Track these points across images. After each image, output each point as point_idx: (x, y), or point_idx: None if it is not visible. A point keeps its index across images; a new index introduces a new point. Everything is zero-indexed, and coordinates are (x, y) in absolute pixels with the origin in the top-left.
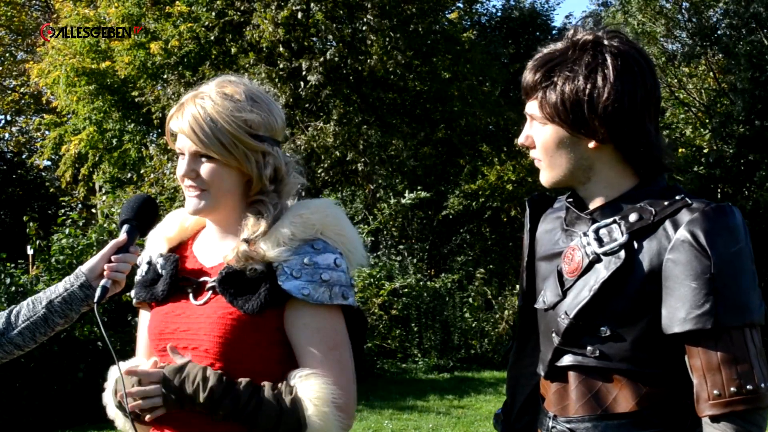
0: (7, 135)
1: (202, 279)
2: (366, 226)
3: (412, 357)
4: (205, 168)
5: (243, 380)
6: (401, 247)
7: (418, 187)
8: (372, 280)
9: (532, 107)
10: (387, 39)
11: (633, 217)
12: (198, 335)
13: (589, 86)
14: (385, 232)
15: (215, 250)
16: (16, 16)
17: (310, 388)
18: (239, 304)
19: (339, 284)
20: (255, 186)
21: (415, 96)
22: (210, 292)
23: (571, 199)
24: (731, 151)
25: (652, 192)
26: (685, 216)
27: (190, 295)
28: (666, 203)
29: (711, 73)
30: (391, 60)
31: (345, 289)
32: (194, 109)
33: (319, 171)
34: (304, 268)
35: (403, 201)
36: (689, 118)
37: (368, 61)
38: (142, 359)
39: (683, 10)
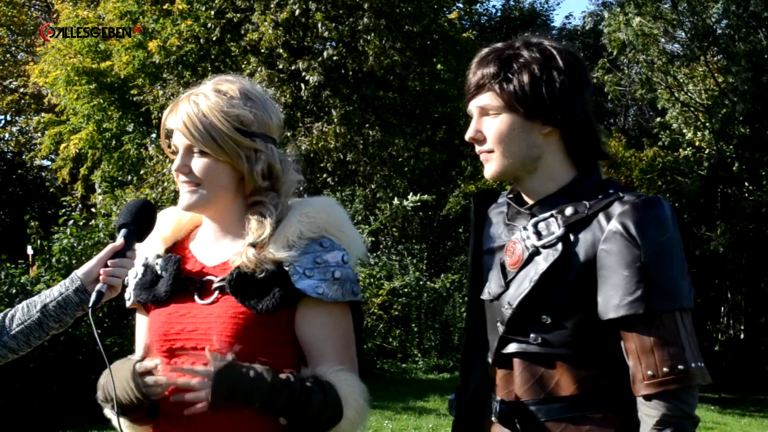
0: (7, 135)
1: (206, 279)
2: (366, 227)
3: (412, 357)
4: (197, 163)
5: (291, 375)
6: (401, 247)
7: (423, 187)
8: (372, 280)
9: (484, 100)
10: (383, 38)
11: (569, 211)
12: (207, 335)
13: (545, 74)
14: (385, 232)
15: (216, 249)
16: (16, 16)
17: (347, 383)
18: (251, 304)
19: (349, 281)
20: (248, 182)
21: (416, 96)
22: (217, 291)
23: (511, 195)
24: (731, 151)
25: (587, 186)
26: (616, 208)
27: (195, 296)
28: (600, 197)
29: (711, 74)
30: (387, 60)
31: (354, 285)
32: (188, 106)
33: (321, 175)
34: (316, 266)
35: (405, 203)
36: (689, 119)
37: (366, 60)
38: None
39: (680, 11)
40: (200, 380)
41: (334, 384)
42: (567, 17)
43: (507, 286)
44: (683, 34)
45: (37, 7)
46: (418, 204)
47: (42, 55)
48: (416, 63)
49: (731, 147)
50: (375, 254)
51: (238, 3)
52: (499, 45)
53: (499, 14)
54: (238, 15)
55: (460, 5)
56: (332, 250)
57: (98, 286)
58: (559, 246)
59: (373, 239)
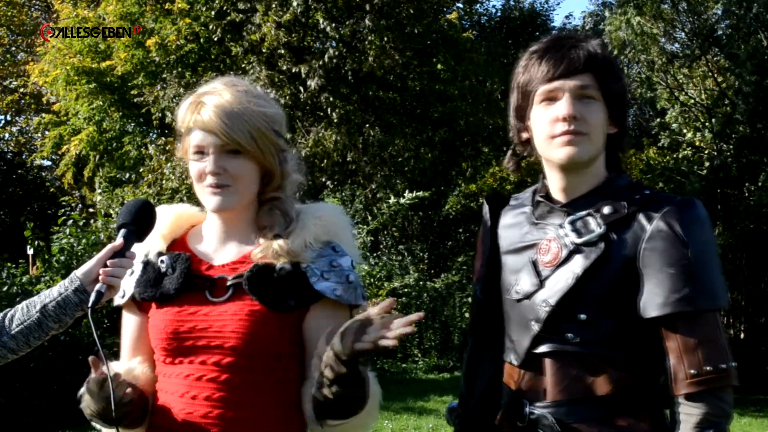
0: (7, 135)
1: (218, 277)
2: (366, 226)
3: (412, 357)
4: (234, 163)
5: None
6: (401, 247)
7: (423, 186)
8: (372, 280)
9: (585, 80)
10: (384, 39)
11: (607, 210)
12: (222, 333)
13: (623, 75)
14: (385, 233)
15: (223, 248)
16: (16, 16)
17: (372, 381)
18: (269, 302)
19: (360, 285)
20: (275, 181)
21: (416, 96)
22: (231, 289)
23: (543, 194)
24: (731, 152)
25: (620, 187)
26: (657, 208)
27: (206, 293)
28: (636, 197)
29: (711, 74)
30: (388, 60)
31: (362, 290)
32: (219, 102)
33: (321, 176)
34: (332, 269)
35: (402, 201)
36: (690, 119)
37: (366, 61)
38: (133, 361)
39: (681, 11)
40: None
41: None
42: (567, 17)
43: (542, 284)
44: (683, 34)
45: (37, 7)
46: (416, 201)
47: (42, 55)
48: (416, 63)
49: (731, 147)
50: (375, 254)
51: (239, 5)
52: (570, 33)
53: (499, 14)
54: (240, 15)
55: (460, 5)
56: (343, 255)
57: (98, 286)
58: (602, 244)
59: (373, 239)
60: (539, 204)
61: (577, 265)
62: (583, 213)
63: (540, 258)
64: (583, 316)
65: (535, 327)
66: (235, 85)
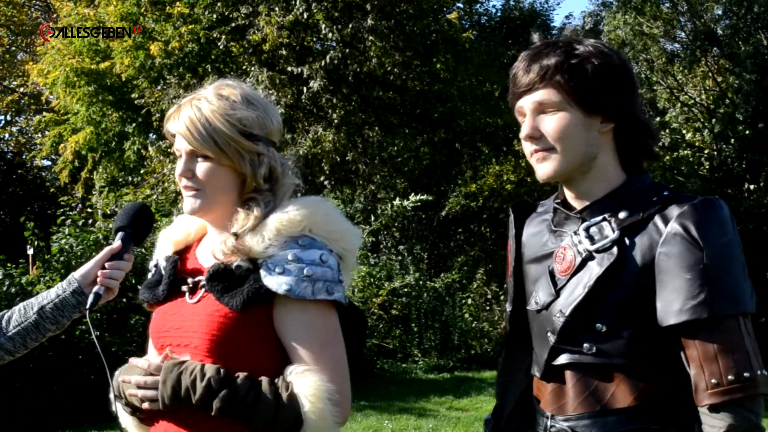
0: (7, 135)
1: (198, 278)
2: (367, 227)
3: (412, 357)
4: (201, 167)
5: (241, 374)
6: (401, 247)
7: (423, 187)
8: (372, 280)
9: (542, 95)
10: (385, 40)
11: (622, 214)
12: (189, 332)
13: (607, 69)
14: (385, 233)
15: (211, 249)
16: (16, 16)
17: (306, 384)
18: (225, 300)
19: (323, 279)
20: (249, 185)
21: (416, 96)
22: (203, 290)
23: (558, 200)
24: (731, 152)
25: (638, 189)
26: (674, 210)
27: (186, 294)
28: (654, 199)
29: (711, 75)
30: (389, 60)
31: (329, 285)
32: (190, 111)
33: (320, 176)
34: (288, 263)
35: (405, 203)
36: (690, 118)
37: (367, 62)
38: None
39: (680, 11)
40: (152, 379)
41: (292, 385)
42: (567, 17)
43: (558, 294)
44: (683, 34)
45: (37, 7)
46: (419, 204)
47: (42, 55)
48: (417, 63)
49: (731, 147)
50: (375, 254)
51: (242, 9)
52: (546, 41)
53: (499, 14)
54: (242, 16)
55: (460, 5)
56: (310, 248)
57: (95, 288)
58: (615, 250)
59: (374, 239)
60: (557, 211)
61: (591, 273)
62: (599, 218)
63: (556, 267)
64: (599, 326)
65: (552, 338)
66: (219, 89)
